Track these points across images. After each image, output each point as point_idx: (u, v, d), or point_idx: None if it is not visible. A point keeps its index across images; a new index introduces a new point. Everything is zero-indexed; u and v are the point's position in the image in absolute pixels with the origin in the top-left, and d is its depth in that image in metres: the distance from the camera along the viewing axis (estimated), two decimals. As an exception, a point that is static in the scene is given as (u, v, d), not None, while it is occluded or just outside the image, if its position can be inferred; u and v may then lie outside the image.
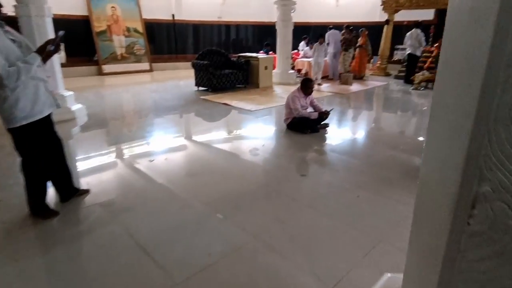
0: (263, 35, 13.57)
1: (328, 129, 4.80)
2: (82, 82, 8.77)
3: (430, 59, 10.12)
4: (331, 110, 4.68)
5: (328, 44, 9.74)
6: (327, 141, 4.41)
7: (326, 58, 9.69)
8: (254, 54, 9.04)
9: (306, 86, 4.57)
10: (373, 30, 12.84)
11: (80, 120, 5.17)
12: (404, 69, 10.59)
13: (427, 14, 11.84)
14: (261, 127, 5.27)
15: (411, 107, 7.03)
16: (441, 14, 11.71)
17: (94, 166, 3.48)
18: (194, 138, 4.72)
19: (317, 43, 9.01)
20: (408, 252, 1.10)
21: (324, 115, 4.64)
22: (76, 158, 3.69)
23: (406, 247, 2.02)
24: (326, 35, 9.90)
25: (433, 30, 11.53)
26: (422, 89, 8.68)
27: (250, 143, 4.32)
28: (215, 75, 7.74)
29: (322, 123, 4.76)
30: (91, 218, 2.47)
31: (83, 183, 3.00)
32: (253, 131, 5.06)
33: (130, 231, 2.30)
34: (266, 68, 8.58)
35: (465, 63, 0.74)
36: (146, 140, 4.41)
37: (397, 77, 10.69)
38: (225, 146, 4.31)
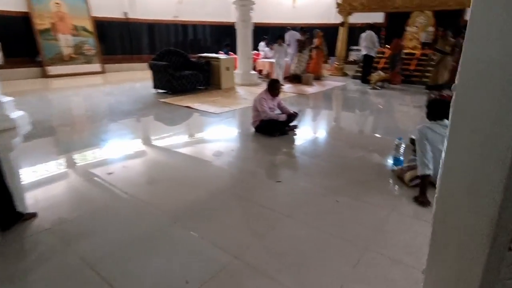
0: (221, 36, 13.32)
1: (296, 130, 4.71)
2: (24, 86, 7.89)
3: (383, 60, 10.61)
4: (299, 111, 4.59)
5: (288, 45, 9.76)
6: (297, 144, 4.32)
7: (287, 59, 9.70)
8: (214, 55, 8.77)
9: (274, 87, 4.44)
10: (329, 31, 13.18)
11: (22, 129, 4.57)
12: (360, 69, 10.98)
13: (378, 17, 12.41)
14: (228, 130, 5.05)
15: (372, 106, 7.23)
16: (390, 17, 12.34)
17: (41, 182, 3.03)
18: (155, 143, 4.37)
19: (276, 44, 8.96)
20: (426, 280, 0.97)
21: (292, 116, 4.55)
22: (19, 175, 3.20)
23: (393, 255, 1.91)
24: (286, 35, 9.92)
25: (384, 32, 12.11)
26: (379, 89, 9.02)
27: (217, 148, 4.08)
28: (175, 77, 7.36)
29: (291, 124, 4.67)
30: (39, 249, 2.09)
31: (29, 205, 2.57)
32: (219, 135, 4.82)
33: (89, 261, 1.97)
34: (227, 69, 8.35)
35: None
36: (101, 148, 3.99)
37: (354, 77, 11.04)
38: (190, 152, 4.04)
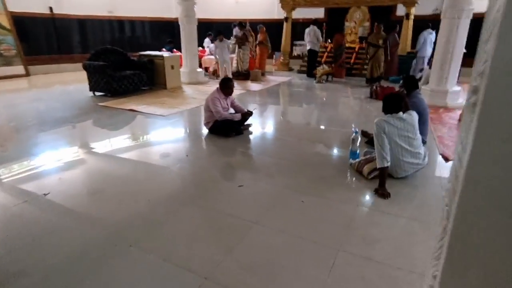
0: (162, 32, 12.68)
1: (251, 129, 4.60)
2: None
3: (325, 54, 10.99)
4: (254, 109, 4.48)
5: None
6: (253, 143, 4.20)
7: (233, 55, 9.53)
8: (157, 53, 8.26)
9: (226, 86, 4.26)
10: (272, 27, 13.29)
11: None
12: (305, 64, 11.24)
13: (319, 13, 12.81)
14: (179, 133, 4.75)
15: (319, 100, 7.40)
16: (330, 12, 12.82)
17: (-45, 212, 2.50)
18: (97, 151, 3.92)
19: (217, 40, 8.72)
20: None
21: (247, 115, 4.41)
22: None
23: (365, 253, 1.83)
24: (234, 31, 9.74)
25: (326, 27, 12.54)
26: (324, 82, 9.30)
27: (169, 152, 3.79)
28: (115, 78, 6.77)
29: (245, 123, 4.53)
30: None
31: None
32: (170, 138, 4.50)
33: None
34: (172, 67, 7.93)
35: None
36: (32, 162, 3.46)
37: (299, 71, 11.27)
38: (139, 157, 3.69)
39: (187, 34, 8.43)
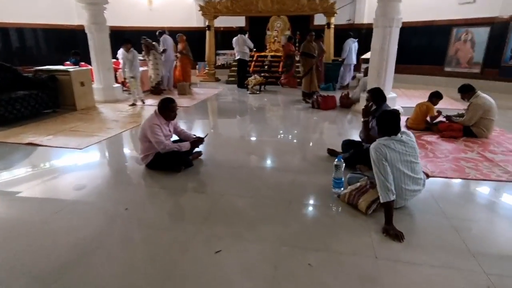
0: (62, 42, 10.74)
1: (202, 157, 3.78)
2: None
3: (253, 63, 10.66)
4: (206, 136, 3.66)
5: (164, 50, 8.53)
6: (211, 177, 3.37)
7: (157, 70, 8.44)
8: (60, 67, 6.72)
9: (167, 108, 3.37)
10: (192, 35, 12.49)
11: None
12: (233, 73, 10.73)
13: (240, 21, 12.48)
14: (105, 173, 3.60)
15: (264, 112, 6.87)
16: (251, 21, 12.61)
17: None
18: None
19: (122, 49, 6.94)
20: None
21: (197, 143, 3.58)
22: None
23: None
24: (161, 40, 8.62)
25: (249, 36, 12.27)
26: (258, 92, 8.89)
27: (94, 207, 2.74)
28: (1, 101, 5.15)
29: (194, 151, 3.70)
30: None
31: None
32: (93, 183, 3.34)
33: None
34: (82, 84, 6.51)
35: None
36: None
37: (228, 82, 10.69)
38: (47, 227, 2.57)
39: (98, 44, 7.10)
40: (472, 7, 9.34)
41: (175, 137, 3.70)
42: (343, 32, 10.40)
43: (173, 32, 10.96)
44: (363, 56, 9.76)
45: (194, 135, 3.74)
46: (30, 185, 3.17)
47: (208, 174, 3.43)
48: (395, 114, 2.44)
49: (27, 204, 2.80)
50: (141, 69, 8.49)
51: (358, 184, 2.70)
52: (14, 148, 4.23)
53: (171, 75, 9.06)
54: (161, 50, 8.54)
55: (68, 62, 7.91)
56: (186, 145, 3.44)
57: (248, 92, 8.90)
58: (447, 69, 10.08)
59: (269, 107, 7.19)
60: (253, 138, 4.93)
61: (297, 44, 11.65)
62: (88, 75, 6.80)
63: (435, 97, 4.76)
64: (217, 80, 11.48)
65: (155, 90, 8.32)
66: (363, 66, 9.96)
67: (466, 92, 4.54)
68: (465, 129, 4.56)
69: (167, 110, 3.34)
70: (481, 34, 9.25)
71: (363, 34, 11.05)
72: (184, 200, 2.91)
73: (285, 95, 8.42)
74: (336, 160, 2.85)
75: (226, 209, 2.70)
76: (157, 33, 8.94)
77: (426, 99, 4.99)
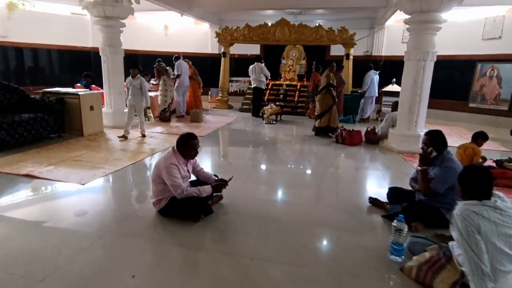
0: (75, 63, 10.56)
1: (223, 201, 3.24)
2: None
3: (268, 91, 10.32)
4: (230, 179, 3.12)
5: (178, 76, 8.25)
6: (235, 231, 2.80)
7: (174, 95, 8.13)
8: (70, 90, 6.38)
9: (188, 146, 2.87)
10: (206, 61, 12.34)
11: None
12: (247, 101, 10.38)
13: (255, 49, 12.32)
14: (108, 221, 3.00)
15: (285, 147, 6.37)
16: (266, 49, 12.44)
17: None
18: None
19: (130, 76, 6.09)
20: None
21: (220, 187, 3.05)
22: None
23: None
24: (176, 65, 8.34)
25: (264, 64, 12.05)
26: (274, 123, 8.45)
27: (91, 273, 2.19)
28: (3, 124, 4.74)
29: (214, 194, 3.16)
30: None
31: None
32: (93, 240, 2.79)
33: None
34: (92, 108, 6.13)
35: None
36: None
37: (242, 110, 10.32)
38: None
39: (112, 67, 6.79)
40: (497, 43, 9.01)
41: (192, 177, 3.18)
42: (361, 64, 10.09)
43: (188, 58, 10.82)
44: (385, 89, 9.36)
45: (215, 175, 3.23)
46: (6, 238, 2.64)
47: (232, 226, 2.87)
48: (487, 173, 1.91)
49: None
50: (151, 94, 8.18)
51: (427, 255, 2.13)
52: (9, 180, 3.74)
53: (185, 101, 8.70)
54: (175, 75, 8.25)
55: (79, 85, 7.59)
56: (207, 190, 2.90)
57: (264, 121, 8.47)
58: (472, 105, 9.61)
59: (289, 141, 6.69)
60: (278, 179, 4.37)
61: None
62: (99, 99, 6.43)
63: (481, 137, 4.23)
64: (230, 107, 11.13)
65: (161, 116, 7.91)
66: (384, 99, 9.56)
67: (521, 135, 4.01)
68: (521, 177, 4.00)
69: (187, 148, 2.85)
70: (508, 71, 8.85)
71: (381, 66, 10.73)
72: (206, 265, 2.30)
73: (303, 127, 7.94)
74: (396, 221, 2.29)
75: (259, 281, 2.12)
76: (173, 58, 8.68)
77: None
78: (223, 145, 6.49)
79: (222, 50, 10.89)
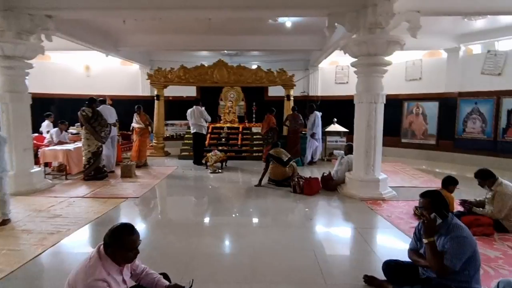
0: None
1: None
2: None
3: (208, 135, 9.56)
4: (191, 285, 2.16)
5: (114, 124, 7.05)
6: None
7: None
8: None
9: (123, 246, 1.87)
10: (135, 105, 11.21)
11: None
12: (187, 147, 9.46)
13: (190, 91, 11.67)
14: None
15: (242, 202, 5.55)
16: (202, 91, 11.85)
17: None
18: None
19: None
20: None
21: (177, 292, 2.10)
22: None
23: None
24: (101, 109, 7.04)
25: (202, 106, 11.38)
26: (220, 171, 7.65)
27: None
28: None
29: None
30: None
31: None
32: None
33: None
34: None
35: None
36: None
37: (181, 157, 9.31)
38: None
39: (14, 118, 5.40)
40: (418, 83, 9.83)
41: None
42: (300, 104, 10.07)
43: (117, 101, 9.65)
44: (328, 129, 9.36)
45: (166, 275, 2.27)
46: None
47: None
48: None
49: None
50: (69, 146, 6.81)
51: None
52: None
53: (114, 154, 7.43)
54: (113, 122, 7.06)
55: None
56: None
57: (209, 170, 7.61)
58: (404, 140, 10.15)
59: (242, 193, 5.87)
60: (241, 254, 3.52)
61: (254, 116, 11.10)
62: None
63: (452, 183, 4.03)
64: (167, 154, 10.05)
65: (87, 173, 6.50)
66: (329, 139, 9.55)
67: (486, 178, 3.90)
68: (494, 222, 3.82)
69: (122, 249, 1.87)
70: (431, 108, 9.62)
71: (318, 106, 10.91)
72: None
73: (253, 174, 7.21)
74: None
75: None
76: (97, 101, 7.32)
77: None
78: (168, 210, 5.38)
79: (155, 92, 9.97)
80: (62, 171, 6.72)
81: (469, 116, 8.69)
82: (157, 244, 3.58)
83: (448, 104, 9.08)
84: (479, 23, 7.14)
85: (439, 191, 2.52)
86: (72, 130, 8.48)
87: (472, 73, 8.53)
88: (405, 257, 2.64)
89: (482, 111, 8.37)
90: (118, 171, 6.96)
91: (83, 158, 6.51)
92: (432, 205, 2.39)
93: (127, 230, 1.92)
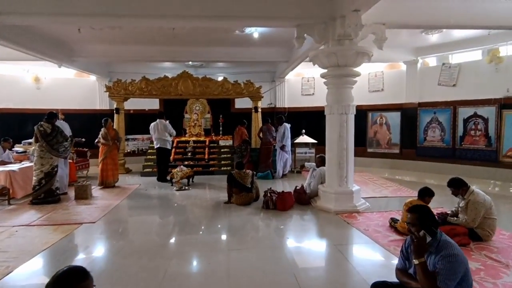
0: None
1: None
2: None
3: (173, 150, 9.10)
4: None
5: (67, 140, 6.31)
6: None
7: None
8: None
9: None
10: (95, 119, 10.44)
11: None
12: (150, 163, 8.90)
13: (153, 103, 11.15)
14: None
15: (211, 223, 5.16)
16: (166, 103, 11.38)
17: None
18: None
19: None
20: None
21: None
22: None
23: None
24: (59, 124, 6.34)
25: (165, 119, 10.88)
26: (187, 188, 7.21)
27: None
28: None
29: None
30: None
31: None
32: None
33: None
34: None
35: None
36: None
37: (144, 174, 8.74)
38: None
39: None
40: (381, 94, 10.15)
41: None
42: (268, 115, 9.96)
43: (72, 114, 8.93)
44: (297, 140, 9.30)
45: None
46: None
47: None
48: None
49: None
50: (13, 167, 6.05)
51: None
52: None
53: (67, 173, 6.71)
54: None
55: None
56: None
57: (175, 187, 7.15)
58: (370, 150, 10.36)
59: (211, 212, 5.48)
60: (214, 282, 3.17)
61: (221, 129, 10.80)
62: None
63: (428, 195, 4.00)
64: (128, 171, 9.40)
65: (35, 195, 5.78)
66: (298, 150, 9.48)
67: (460, 187, 3.91)
68: (469, 231, 3.83)
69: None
70: (394, 118, 9.94)
71: (285, 118, 10.89)
72: None
73: (221, 190, 6.82)
74: None
75: None
76: (47, 116, 6.62)
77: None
78: (124, 231, 4.84)
79: (115, 105, 9.35)
80: (4, 195, 5.92)
81: (429, 125, 9.05)
82: (119, 275, 3.12)
83: (409, 114, 9.42)
84: (435, 37, 7.51)
85: (427, 206, 2.40)
86: (18, 148, 7.63)
87: (429, 84, 8.93)
88: (390, 276, 2.46)
89: (440, 120, 8.75)
90: (72, 193, 6.26)
91: (34, 178, 5.79)
92: (420, 221, 2.25)
93: (77, 276, 1.54)
